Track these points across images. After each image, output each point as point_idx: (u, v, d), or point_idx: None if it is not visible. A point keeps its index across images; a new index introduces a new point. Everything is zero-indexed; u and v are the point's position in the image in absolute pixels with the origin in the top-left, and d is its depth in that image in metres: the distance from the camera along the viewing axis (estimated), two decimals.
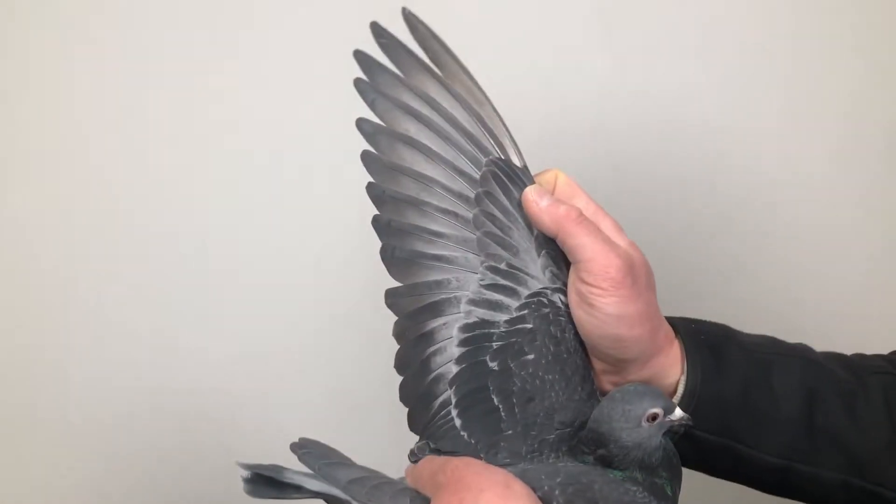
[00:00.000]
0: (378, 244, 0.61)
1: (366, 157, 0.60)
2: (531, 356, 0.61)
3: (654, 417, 0.58)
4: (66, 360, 1.06)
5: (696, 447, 0.64)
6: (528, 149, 0.64)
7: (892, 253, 1.05)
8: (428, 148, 0.60)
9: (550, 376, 0.61)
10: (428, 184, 0.60)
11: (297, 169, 1.00)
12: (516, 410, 0.61)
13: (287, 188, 1.00)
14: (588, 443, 0.60)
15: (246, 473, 0.59)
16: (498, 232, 0.61)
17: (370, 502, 0.59)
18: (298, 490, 0.60)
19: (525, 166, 0.62)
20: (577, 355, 0.62)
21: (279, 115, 0.99)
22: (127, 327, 1.04)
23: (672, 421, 0.59)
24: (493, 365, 0.61)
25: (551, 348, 0.61)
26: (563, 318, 0.61)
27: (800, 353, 0.68)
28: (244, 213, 1.00)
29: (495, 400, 0.61)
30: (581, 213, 0.59)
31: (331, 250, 1.01)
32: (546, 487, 0.57)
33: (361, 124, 0.60)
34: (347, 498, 0.59)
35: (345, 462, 0.61)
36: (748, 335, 0.69)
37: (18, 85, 1.00)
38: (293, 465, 0.60)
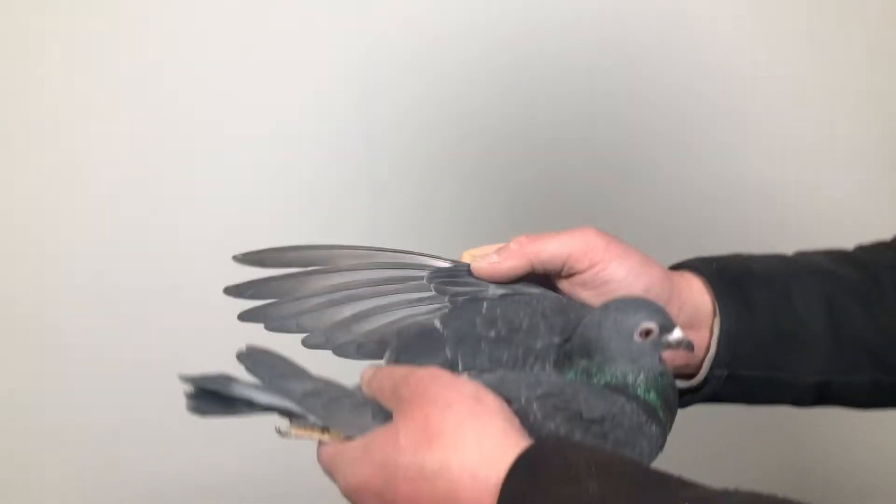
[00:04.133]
0: None
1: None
2: (520, 312, 0.59)
3: (647, 333, 0.54)
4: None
5: (740, 386, 0.63)
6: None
7: None
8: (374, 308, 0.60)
9: (538, 317, 0.58)
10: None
11: None
12: (499, 324, 0.58)
13: None
14: (573, 351, 0.56)
15: (190, 388, 0.54)
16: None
17: (328, 417, 0.54)
18: (249, 405, 0.54)
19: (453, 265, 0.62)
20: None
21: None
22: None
23: (669, 342, 0.55)
24: (482, 312, 0.59)
25: (540, 306, 0.59)
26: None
27: (814, 267, 0.68)
28: None
29: (478, 322, 0.58)
30: (525, 236, 0.59)
31: None
32: (523, 400, 0.53)
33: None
34: (303, 411, 0.55)
35: (297, 373, 0.56)
36: (761, 260, 0.68)
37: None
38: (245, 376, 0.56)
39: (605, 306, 0.56)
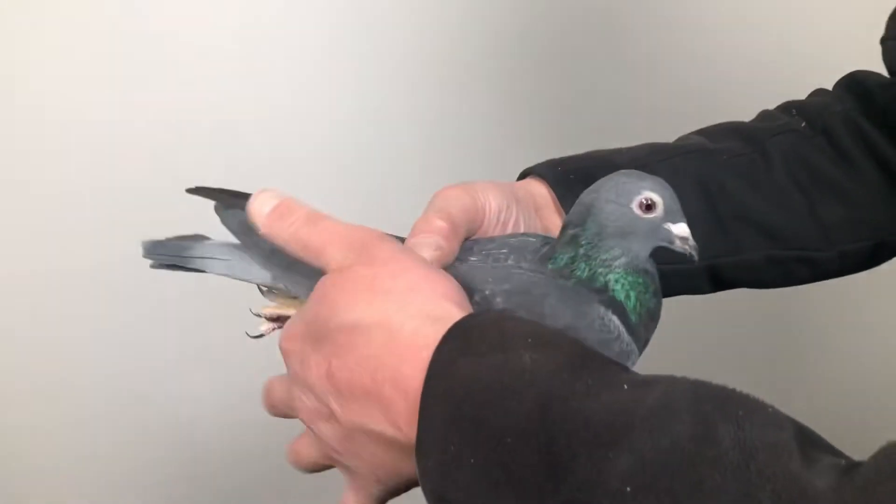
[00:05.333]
0: None
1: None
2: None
3: (649, 207, 0.49)
4: None
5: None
6: None
7: None
8: None
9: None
10: None
11: None
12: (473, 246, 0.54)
13: None
14: (567, 223, 0.51)
15: (152, 259, 0.54)
16: None
17: (290, 273, 0.52)
18: (213, 262, 0.55)
19: None
20: None
21: None
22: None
23: (671, 233, 0.50)
24: None
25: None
26: None
27: (687, 149, 0.66)
28: None
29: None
30: (427, 221, 0.54)
31: None
32: (488, 291, 0.50)
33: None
34: (265, 279, 0.53)
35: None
36: (625, 152, 0.66)
37: None
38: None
39: (610, 175, 0.52)
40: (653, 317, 0.51)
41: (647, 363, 0.49)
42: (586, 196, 0.51)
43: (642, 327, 0.51)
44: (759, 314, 1.34)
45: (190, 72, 1.11)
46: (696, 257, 0.51)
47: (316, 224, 0.51)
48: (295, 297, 0.54)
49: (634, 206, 0.49)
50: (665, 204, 0.50)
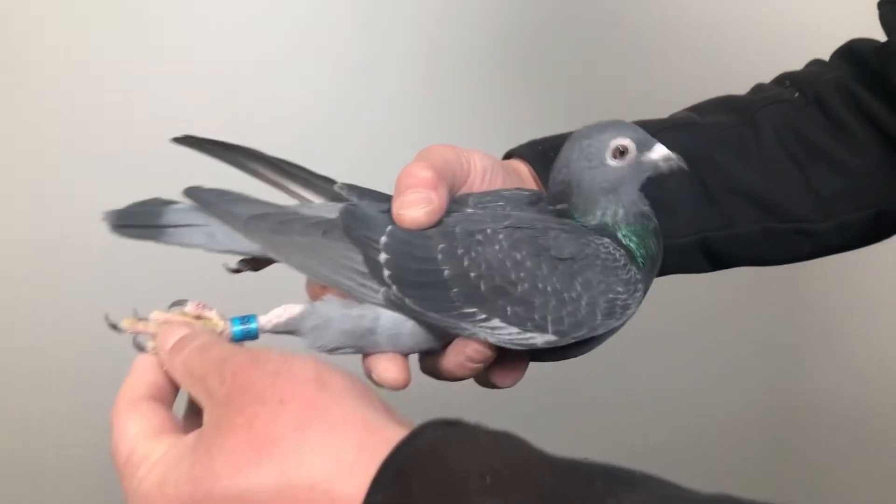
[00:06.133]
0: None
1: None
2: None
3: (622, 152, 0.49)
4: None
5: None
6: None
7: None
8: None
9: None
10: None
11: None
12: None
13: None
14: (550, 201, 0.52)
15: (112, 223, 0.50)
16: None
17: (274, 240, 0.49)
18: (183, 230, 0.50)
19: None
20: None
21: None
22: None
23: (652, 160, 0.50)
24: None
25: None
26: None
27: (669, 124, 0.64)
28: None
29: None
30: (412, 172, 0.51)
31: None
32: (489, 230, 0.49)
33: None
34: (251, 249, 0.50)
35: (248, 199, 0.51)
36: None
37: None
38: None
39: (570, 139, 0.51)
40: (654, 261, 0.52)
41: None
42: (559, 173, 0.51)
43: (648, 273, 0.51)
44: (760, 307, 1.33)
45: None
46: (685, 166, 0.50)
47: (208, 351, 0.41)
48: (198, 318, 0.48)
49: (609, 160, 0.49)
50: (634, 139, 0.50)
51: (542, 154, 0.60)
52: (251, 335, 0.49)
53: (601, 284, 0.48)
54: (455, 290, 0.48)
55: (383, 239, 0.49)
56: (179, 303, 0.49)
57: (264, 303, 0.51)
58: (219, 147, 0.53)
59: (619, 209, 0.50)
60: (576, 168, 0.50)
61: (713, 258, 0.64)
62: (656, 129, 0.62)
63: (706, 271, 0.65)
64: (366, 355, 0.51)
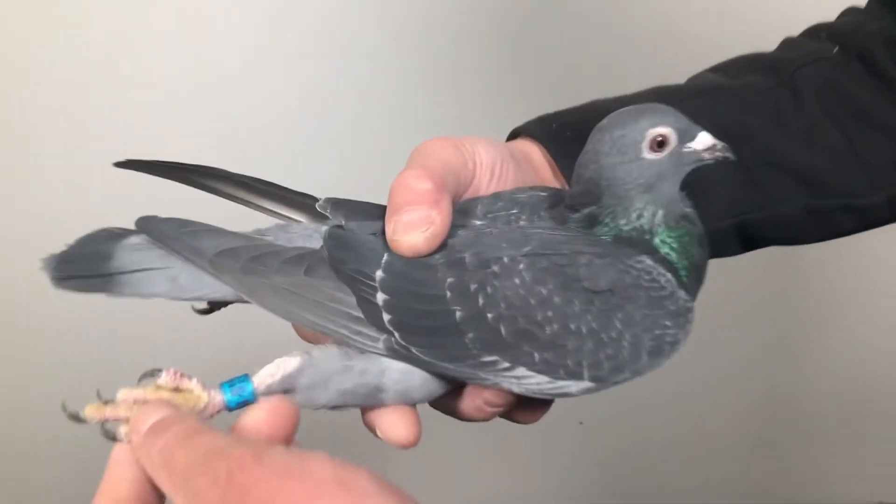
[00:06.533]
0: None
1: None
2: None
3: (661, 143, 0.42)
4: None
5: None
6: None
7: None
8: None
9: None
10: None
11: None
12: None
13: None
14: (575, 203, 0.43)
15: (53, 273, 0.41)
16: None
17: (246, 280, 0.40)
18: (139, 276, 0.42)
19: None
20: None
21: None
22: None
23: (696, 151, 0.42)
24: None
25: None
26: None
27: (696, 90, 0.57)
28: None
29: None
30: (407, 183, 0.43)
31: None
32: (506, 259, 0.41)
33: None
34: (224, 294, 0.41)
35: (215, 230, 0.43)
36: (627, 99, 0.55)
37: None
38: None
39: (598, 128, 0.43)
40: (700, 272, 0.44)
41: None
42: (585, 169, 0.43)
43: (694, 283, 0.43)
44: (762, 301, 1.33)
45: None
46: (732, 156, 0.43)
47: (193, 439, 0.33)
48: (176, 390, 0.40)
49: (646, 152, 0.42)
50: (675, 127, 0.42)
51: (555, 134, 0.52)
52: (247, 402, 0.41)
53: (646, 319, 0.40)
54: (470, 335, 0.40)
55: (379, 274, 0.42)
56: (152, 373, 0.41)
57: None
58: (174, 169, 0.45)
59: (658, 210, 0.42)
60: (607, 163, 0.42)
61: (747, 241, 0.57)
62: (683, 98, 0.55)
63: (736, 254, 0.58)
64: (367, 409, 0.44)
